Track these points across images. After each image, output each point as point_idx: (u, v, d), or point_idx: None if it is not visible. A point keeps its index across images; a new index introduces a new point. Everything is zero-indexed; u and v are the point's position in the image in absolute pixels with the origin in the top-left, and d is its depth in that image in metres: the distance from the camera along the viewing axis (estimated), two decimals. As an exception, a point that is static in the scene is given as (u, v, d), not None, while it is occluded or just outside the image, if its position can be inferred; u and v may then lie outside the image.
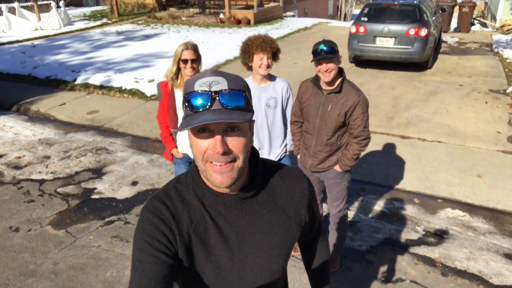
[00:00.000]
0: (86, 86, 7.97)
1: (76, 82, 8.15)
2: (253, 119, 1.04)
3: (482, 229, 3.59)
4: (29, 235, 3.59)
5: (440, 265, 3.18)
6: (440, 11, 11.24)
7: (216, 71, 0.98)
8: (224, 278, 1.07)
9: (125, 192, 4.31)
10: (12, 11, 15.03)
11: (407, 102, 6.77)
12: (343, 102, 2.53)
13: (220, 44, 11.38)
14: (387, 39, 8.10)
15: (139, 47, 11.24)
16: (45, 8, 16.99)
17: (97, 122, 6.35)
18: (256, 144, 2.91)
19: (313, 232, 1.33)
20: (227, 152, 0.94)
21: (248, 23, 15.27)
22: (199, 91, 0.93)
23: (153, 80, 7.98)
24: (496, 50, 10.22)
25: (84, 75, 8.43)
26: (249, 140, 1.01)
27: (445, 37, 12.15)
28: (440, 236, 3.52)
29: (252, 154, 1.09)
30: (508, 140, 5.23)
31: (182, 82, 2.93)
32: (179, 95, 2.94)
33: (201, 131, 0.95)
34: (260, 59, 2.64)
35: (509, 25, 13.17)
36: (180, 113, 2.97)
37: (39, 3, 16.45)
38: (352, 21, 8.84)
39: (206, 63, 8.78)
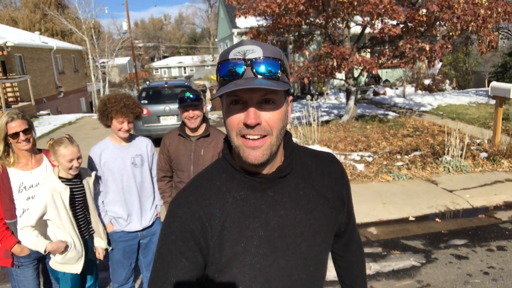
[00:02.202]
0: None
1: None
2: (289, 95, 1.00)
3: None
4: None
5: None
6: (202, 92, 12.93)
7: (252, 40, 0.94)
8: (265, 272, 0.96)
9: None
10: None
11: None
12: (214, 144, 2.65)
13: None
14: (170, 117, 8.67)
15: None
16: None
17: None
18: (123, 212, 2.61)
19: (348, 228, 1.20)
20: (260, 124, 0.89)
21: (-4, 125, 13.20)
22: (233, 59, 0.88)
23: None
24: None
25: None
26: (284, 116, 0.95)
27: (208, 115, 13.90)
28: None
29: (287, 134, 1.04)
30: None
31: (17, 159, 2.38)
32: (15, 175, 2.36)
33: (234, 103, 0.89)
34: (120, 123, 2.48)
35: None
36: (20, 197, 2.36)
37: None
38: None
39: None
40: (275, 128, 0.92)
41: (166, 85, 9.26)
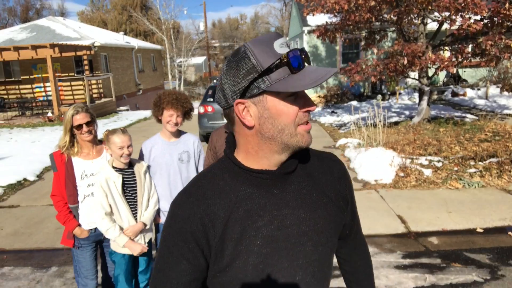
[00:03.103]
0: None
1: None
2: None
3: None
4: None
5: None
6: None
7: (278, 33, 0.95)
8: (268, 272, 0.94)
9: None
10: None
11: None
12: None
13: (55, 141, 10.41)
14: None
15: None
16: None
17: None
18: (168, 206, 2.73)
19: (353, 228, 1.18)
20: None
21: (82, 119, 14.52)
22: (295, 49, 0.87)
23: (-19, 185, 6.65)
24: (314, 119, 12.24)
25: None
26: None
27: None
28: (334, 267, 3.77)
29: None
30: (354, 181, 6.14)
31: (80, 149, 2.60)
32: (78, 163, 2.58)
33: (290, 96, 0.88)
34: (169, 116, 2.60)
35: (314, 100, 16.12)
36: (82, 184, 2.58)
37: None
38: (199, 103, 9.45)
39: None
40: None
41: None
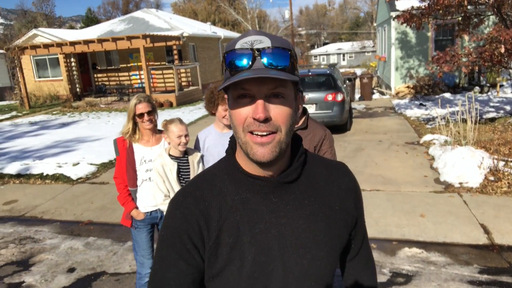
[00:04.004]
0: (0, 176, 7.15)
1: (-14, 174, 7.28)
2: (303, 94, 0.96)
3: (441, 262, 3.69)
4: None
5: (416, 301, 3.15)
6: (347, 81, 12.59)
7: (260, 31, 0.89)
8: (262, 281, 0.90)
9: (61, 281, 3.72)
10: None
11: (338, 159, 7.13)
12: (311, 137, 2.57)
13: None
14: (308, 106, 8.73)
15: (58, 134, 10.63)
16: None
17: (16, 212, 5.61)
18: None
19: (358, 245, 1.09)
20: (268, 119, 0.84)
21: (170, 105, 15.49)
22: (240, 49, 0.83)
23: (78, 163, 7.46)
24: (399, 112, 11.52)
25: (-4, 166, 7.60)
26: (294, 111, 0.89)
27: (354, 105, 13.46)
28: (407, 275, 3.53)
29: (294, 136, 0.98)
30: (435, 182, 5.68)
31: (141, 136, 2.78)
32: (139, 149, 2.76)
33: (241, 97, 0.85)
34: (225, 110, 2.64)
35: (402, 91, 15.13)
36: (141, 169, 2.76)
37: None
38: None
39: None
40: (285, 124, 0.86)
41: (309, 74, 9.30)
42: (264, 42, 0.83)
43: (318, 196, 0.96)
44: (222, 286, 0.92)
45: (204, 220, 0.90)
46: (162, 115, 13.83)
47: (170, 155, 2.66)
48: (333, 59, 56.40)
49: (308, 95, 8.70)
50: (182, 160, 2.69)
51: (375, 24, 25.07)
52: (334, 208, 0.97)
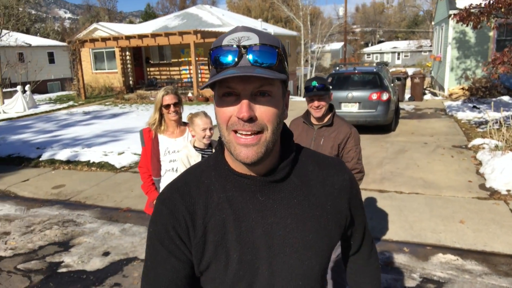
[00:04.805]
0: (52, 162, 7.67)
1: (40, 159, 7.84)
2: (286, 88, 0.92)
3: (477, 271, 3.47)
4: (-18, 317, 3.12)
5: (444, 311, 2.99)
6: (396, 80, 12.12)
7: (248, 27, 0.86)
8: (246, 284, 0.90)
9: (96, 264, 3.92)
10: (-26, 96, 14.84)
11: (378, 160, 6.92)
12: (335, 135, 2.52)
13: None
14: (351, 104, 8.52)
15: (108, 124, 11.19)
16: (9, 96, 16.92)
17: (63, 196, 5.99)
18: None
19: (358, 243, 1.10)
20: (253, 119, 0.81)
21: (215, 100, 15.78)
22: (226, 46, 0.81)
23: (123, 153, 7.81)
24: (450, 114, 10.94)
25: (50, 152, 8.15)
26: (281, 111, 0.87)
27: (402, 105, 12.96)
28: (438, 281, 3.36)
29: (285, 133, 0.96)
30: (480, 188, 5.34)
31: (167, 128, 2.86)
32: (163, 140, 2.85)
33: (226, 95, 0.82)
34: None
35: (456, 93, 14.33)
36: (165, 159, 2.85)
37: (4, 90, 16.40)
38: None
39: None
40: (271, 123, 0.84)
41: (355, 71, 9.07)
42: (252, 39, 0.81)
43: (309, 195, 0.94)
44: (208, 282, 0.92)
45: (189, 217, 0.90)
46: (208, 109, 14.12)
47: (195, 147, 2.72)
48: (387, 58, 54.57)
49: (352, 94, 8.49)
50: (206, 152, 2.73)
51: (433, 23, 23.93)
52: (325, 208, 0.95)
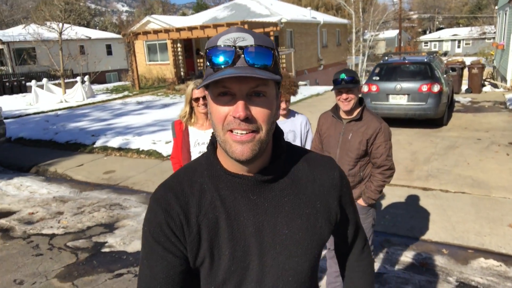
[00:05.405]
0: (105, 148, 8.15)
1: (95, 146, 8.35)
2: (279, 88, 0.94)
3: (521, 279, 3.26)
4: (34, 289, 3.42)
5: (479, 317, 2.85)
6: (451, 71, 11.46)
7: (242, 28, 0.88)
8: (238, 279, 0.93)
9: (136, 246, 4.15)
10: (40, 86, 16.01)
11: (425, 156, 6.63)
12: (364, 130, 2.47)
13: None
14: (400, 96, 8.19)
15: (158, 114, 11.64)
16: (71, 85, 18.07)
17: (112, 181, 6.36)
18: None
19: (349, 239, 1.13)
20: (249, 118, 0.84)
21: (262, 90, 15.82)
22: (222, 46, 0.83)
23: (170, 141, 8.10)
24: (511, 107, 10.19)
25: (103, 139, 8.65)
26: (275, 111, 0.90)
27: (457, 97, 12.26)
28: (476, 287, 3.20)
29: (276, 132, 0.97)
30: (536, 189, 4.97)
31: (197, 120, 2.94)
32: (193, 132, 2.94)
33: (222, 95, 0.84)
34: (284, 103, 2.69)
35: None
36: (194, 150, 2.94)
37: (66, 80, 17.54)
38: (364, 81, 9.05)
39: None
40: (265, 123, 0.87)
41: (405, 61, 8.67)
42: (247, 40, 0.83)
43: (299, 193, 0.96)
44: (202, 277, 0.96)
45: (184, 215, 0.92)
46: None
47: None
48: (446, 46, 51.61)
49: (400, 85, 8.15)
50: None
51: (496, 7, 22.23)
52: (315, 206, 0.97)
